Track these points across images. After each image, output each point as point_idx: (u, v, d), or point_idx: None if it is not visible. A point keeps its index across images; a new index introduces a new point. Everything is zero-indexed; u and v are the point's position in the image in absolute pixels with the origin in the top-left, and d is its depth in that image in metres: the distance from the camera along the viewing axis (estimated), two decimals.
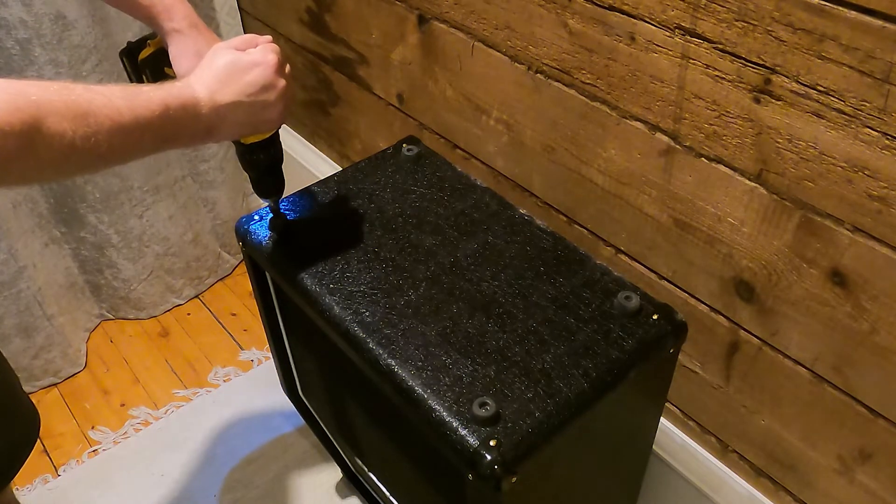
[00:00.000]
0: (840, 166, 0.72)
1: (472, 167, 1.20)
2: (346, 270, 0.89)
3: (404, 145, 1.07)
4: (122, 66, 0.86)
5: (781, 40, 0.71)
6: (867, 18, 0.64)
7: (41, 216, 1.48)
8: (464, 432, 0.71)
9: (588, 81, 0.93)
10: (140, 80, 0.85)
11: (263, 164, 0.85)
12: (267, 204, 0.93)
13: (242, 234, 0.97)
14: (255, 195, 0.92)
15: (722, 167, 0.83)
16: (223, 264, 1.79)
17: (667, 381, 0.90)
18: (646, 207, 0.95)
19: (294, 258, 0.91)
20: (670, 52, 0.81)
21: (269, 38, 0.79)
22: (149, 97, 0.65)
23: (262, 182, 0.88)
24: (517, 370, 0.77)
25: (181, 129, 0.69)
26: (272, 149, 0.84)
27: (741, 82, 0.76)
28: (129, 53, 0.84)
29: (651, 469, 1.06)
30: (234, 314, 1.72)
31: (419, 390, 0.75)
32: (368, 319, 0.82)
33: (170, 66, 0.82)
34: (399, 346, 0.79)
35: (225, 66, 0.73)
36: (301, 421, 1.30)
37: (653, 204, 0.94)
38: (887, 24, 0.63)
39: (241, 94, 0.73)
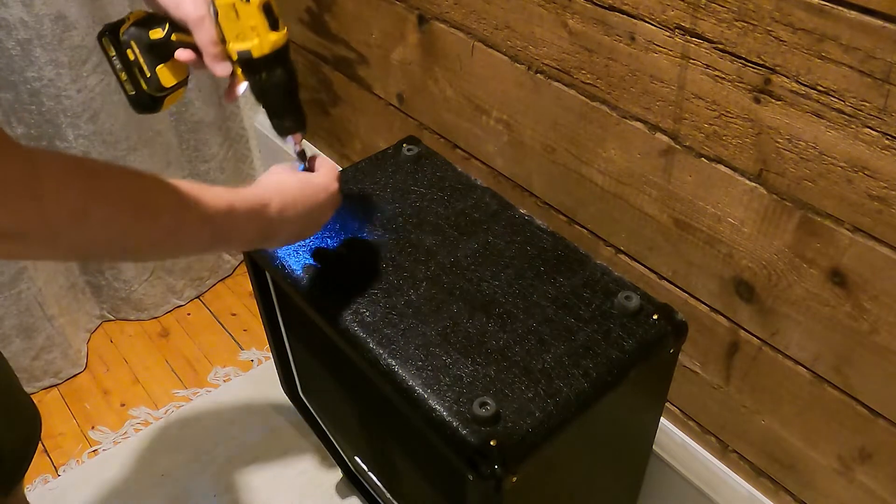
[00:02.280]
0: (840, 166, 0.72)
1: (472, 167, 1.20)
2: (345, 270, 0.89)
3: (404, 145, 1.07)
4: (105, 56, 0.79)
5: (781, 40, 0.71)
6: (867, 18, 0.64)
7: None
8: (464, 432, 0.71)
9: (588, 81, 0.93)
10: (125, 58, 0.78)
11: (280, 85, 0.76)
12: (291, 148, 0.83)
13: None
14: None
15: (722, 167, 0.83)
16: (223, 265, 1.79)
17: (667, 381, 0.90)
18: (646, 207, 0.95)
19: (294, 258, 0.91)
20: (670, 52, 0.81)
21: (333, 163, 0.81)
22: (217, 193, 0.64)
23: (280, 112, 0.79)
24: (517, 370, 0.77)
25: (240, 231, 0.68)
26: (287, 63, 0.75)
27: (741, 82, 0.76)
28: (111, 31, 0.78)
29: (651, 469, 1.06)
30: (234, 314, 1.72)
31: (419, 390, 0.75)
32: (368, 319, 0.82)
33: (155, 27, 0.76)
34: (399, 346, 0.79)
35: (297, 186, 0.75)
36: (301, 421, 1.30)
37: (653, 204, 0.94)
38: (887, 24, 0.63)
39: (306, 215, 0.75)
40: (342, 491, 1.36)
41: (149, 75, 0.78)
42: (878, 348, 0.78)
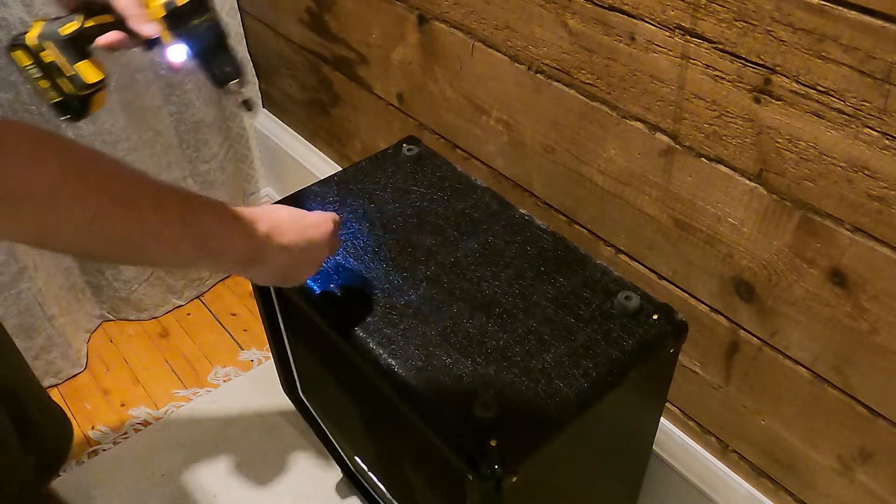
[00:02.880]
0: (840, 166, 0.72)
1: (472, 167, 1.20)
2: (346, 270, 0.89)
3: (404, 145, 1.07)
4: (18, 69, 0.78)
5: (781, 40, 0.71)
6: (867, 18, 0.64)
7: None
8: (464, 432, 0.71)
9: (588, 81, 0.93)
10: (41, 63, 0.76)
11: (206, 33, 0.76)
12: (234, 91, 0.81)
13: None
14: (256, 195, 0.90)
15: (722, 167, 0.83)
16: None
17: (667, 381, 0.90)
18: (646, 207, 0.95)
19: None
20: (670, 52, 0.81)
21: (331, 213, 0.81)
22: (202, 200, 0.63)
23: (213, 59, 0.78)
24: (517, 370, 0.77)
25: (226, 245, 0.66)
26: (204, 13, 0.75)
27: (741, 82, 0.76)
28: (18, 42, 0.76)
29: (651, 469, 1.06)
30: (234, 314, 1.72)
31: (419, 390, 0.75)
32: (368, 319, 0.83)
33: (65, 23, 0.74)
34: (399, 346, 0.79)
35: (289, 215, 0.75)
36: (301, 421, 1.30)
37: (653, 204, 0.94)
38: (887, 24, 0.63)
39: (296, 244, 0.73)
40: (342, 491, 1.36)
41: (71, 74, 0.76)
42: (878, 348, 0.78)
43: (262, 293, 1.05)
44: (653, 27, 0.81)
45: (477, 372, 0.77)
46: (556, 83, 0.97)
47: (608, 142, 0.95)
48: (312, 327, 0.91)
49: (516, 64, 1.02)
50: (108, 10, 0.74)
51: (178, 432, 1.46)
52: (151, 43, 0.75)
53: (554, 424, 0.73)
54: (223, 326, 1.69)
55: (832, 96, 0.69)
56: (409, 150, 1.06)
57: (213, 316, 1.72)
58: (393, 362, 0.78)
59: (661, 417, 0.99)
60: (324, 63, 1.46)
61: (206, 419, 1.49)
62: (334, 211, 0.98)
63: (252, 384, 1.56)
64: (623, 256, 1.03)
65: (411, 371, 0.77)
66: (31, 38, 0.75)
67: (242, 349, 1.64)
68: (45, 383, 1.56)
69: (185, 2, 0.73)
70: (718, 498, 1.06)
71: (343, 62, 1.40)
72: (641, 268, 1.01)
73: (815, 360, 0.85)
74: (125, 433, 1.49)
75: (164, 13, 0.72)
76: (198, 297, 1.76)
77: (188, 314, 1.72)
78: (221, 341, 1.66)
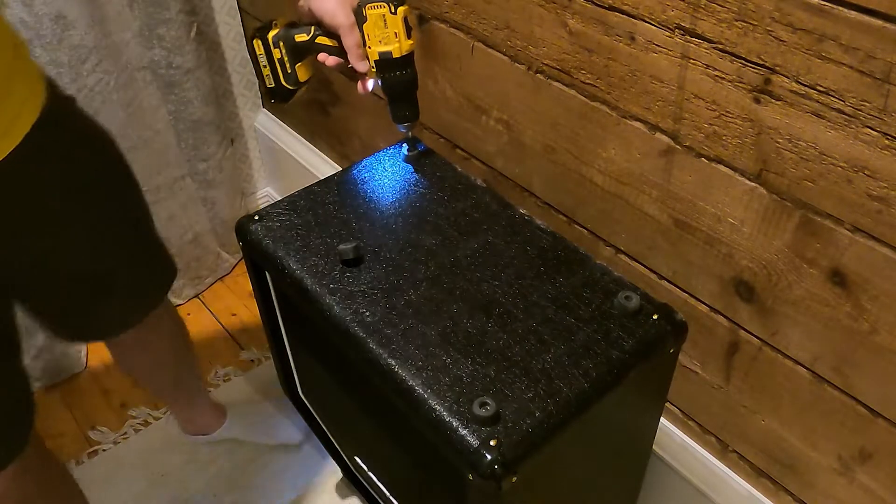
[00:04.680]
0: (840, 166, 0.72)
1: (472, 167, 1.20)
2: (346, 270, 0.89)
3: (404, 145, 1.07)
4: (252, 55, 0.95)
5: (781, 40, 0.71)
6: (867, 18, 0.64)
7: None
8: (464, 432, 0.71)
9: (588, 81, 0.93)
10: (271, 56, 0.93)
11: (406, 82, 0.93)
12: (404, 133, 1.01)
13: (242, 233, 0.97)
14: (255, 194, 0.94)
15: (722, 167, 0.83)
16: (223, 264, 1.79)
17: (667, 381, 0.90)
18: (646, 207, 0.95)
19: (294, 258, 0.91)
20: (670, 52, 0.81)
21: None
22: None
23: (401, 104, 0.97)
24: (517, 370, 0.77)
25: None
26: (413, 66, 0.93)
27: (741, 82, 0.76)
28: (261, 34, 0.93)
29: (651, 469, 1.06)
30: (234, 314, 1.72)
31: (419, 390, 0.75)
32: (368, 319, 0.82)
33: (300, 31, 0.91)
34: (399, 346, 0.79)
35: None
36: (301, 421, 1.30)
37: (653, 204, 0.94)
38: (887, 24, 0.63)
39: None
40: (342, 491, 1.36)
41: (289, 71, 0.94)
42: (878, 348, 0.78)
43: (262, 293, 1.05)
44: (653, 27, 0.81)
45: (477, 372, 0.77)
46: (556, 83, 0.97)
47: (608, 142, 0.95)
48: (312, 327, 0.91)
49: (516, 64, 1.02)
50: (335, 36, 0.90)
51: (178, 432, 1.46)
52: (358, 75, 0.93)
53: (554, 424, 0.73)
54: (223, 326, 1.69)
55: (832, 96, 0.69)
56: (408, 150, 1.06)
57: (213, 316, 1.72)
58: (393, 362, 0.78)
59: (661, 417, 0.99)
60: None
61: None
62: (334, 210, 0.98)
63: (252, 384, 1.56)
64: (623, 256, 1.03)
65: (411, 371, 0.77)
66: (271, 35, 0.92)
67: (242, 349, 1.64)
68: (46, 383, 1.56)
69: (397, 56, 0.90)
70: (718, 498, 1.06)
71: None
72: (641, 268, 1.01)
73: (815, 360, 0.85)
74: (125, 433, 1.49)
75: (377, 58, 0.90)
76: (197, 297, 1.76)
77: (188, 314, 1.72)
78: (221, 341, 1.66)
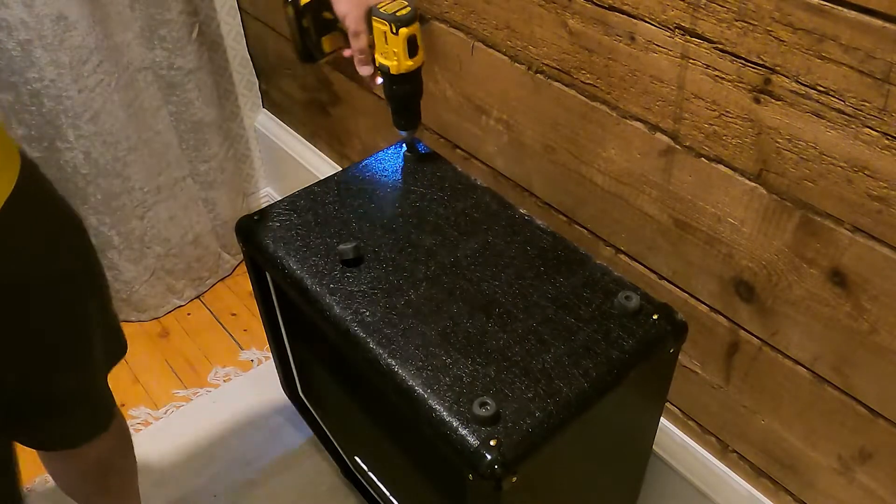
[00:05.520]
0: (840, 166, 0.72)
1: (472, 167, 1.20)
2: (346, 270, 0.89)
3: (404, 145, 1.07)
4: (285, 16, 0.97)
5: (781, 40, 0.71)
6: (867, 18, 0.64)
7: None
8: (464, 432, 0.71)
9: (588, 81, 0.93)
10: (300, 24, 0.95)
11: (404, 97, 0.97)
12: (403, 137, 1.05)
13: (243, 233, 0.97)
14: (256, 194, 0.94)
15: (722, 167, 0.83)
16: (223, 264, 1.79)
17: (667, 381, 0.90)
18: (646, 207, 0.95)
19: (294, 258, 0.91)
20: (670, 52, 0.81)
21: None
22: None
23: (399, 114, 1.00)
24: (517, 370, 0.77)
25: None
26: (415, 82, 0.97)
27: (741, 82, 0.76)
28: (293, 1, 0.95)
29: (651, 469, 1.06)
30: (234, 314, 1.72)
31: (419, 390, 0.75)
32: (368, 319, 0.83)
33: (328, 9, 0.93)
34: (399, 346, 0.79)
35: None
36: (301, 421, 1.30)
37: (653, 204, 0.94)
38: (887, 24, 0.63)
39: None
40: (342, 491, 1.36)
41: (315, 42, 0.97)
42: (878, 348, 0.78)
43: (262, 293, 1.05)
44: (653, 27, 0.81)
45: (477, 372, 0.77)
46: (556, 83, 0.97)
47: (608, 142, 0.95)
48: (312, 327, 0.91)
49: (516, 64, 1.02)
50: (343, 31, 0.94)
51: (178, 432, 1.46)
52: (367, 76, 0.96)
53: (554, 424, 0.73)
54: (223, 326, 1.69)
55: (832, 96, 0.69)
56: (408, 150, 1.06)
57: (214, 316, 1.72)
58: (393, 362, 0.78)
59: (661, 417, 0.99)
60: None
61: (206, 419, 1.49)
62: (334, 210, 0.98)
63: (252, 384, 1.56)
64: (623, 256, 1.03)
65: (411, 371, 0.77)
66: (303, 2, 0.94)
67: (242, 349, 1.64)
68: None
69: (394, 73, 0.93)
70: (718, 498, 1.06)
71: (343, 62, 1.40)
72: (641, 268, 1.01)
73: (815, 360, 0.85)
74: None
75: (379, 66, 0.94)
76: (198, 297, 1.76)
77: (188, 314, 1.72)
78: (221, 341, 1.66)
